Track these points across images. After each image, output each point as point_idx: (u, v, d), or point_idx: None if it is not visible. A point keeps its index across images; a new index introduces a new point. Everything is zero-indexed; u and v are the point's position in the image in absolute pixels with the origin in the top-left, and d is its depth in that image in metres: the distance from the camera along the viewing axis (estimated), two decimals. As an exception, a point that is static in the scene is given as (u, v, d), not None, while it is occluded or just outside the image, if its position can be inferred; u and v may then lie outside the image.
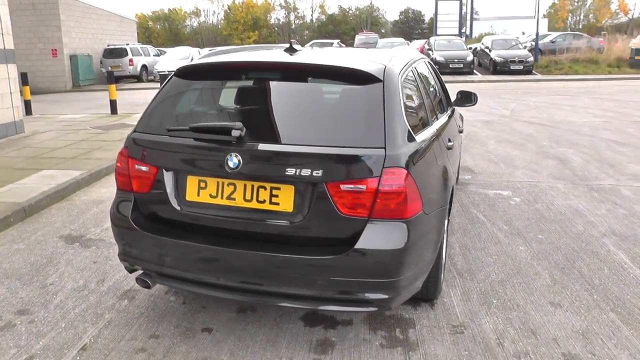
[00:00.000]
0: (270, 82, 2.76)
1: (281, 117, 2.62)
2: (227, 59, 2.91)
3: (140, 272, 2.79)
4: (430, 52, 22.48)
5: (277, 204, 2.43)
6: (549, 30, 50.96)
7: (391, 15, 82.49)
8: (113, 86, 10.47)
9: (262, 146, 2.44)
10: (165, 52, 24.41)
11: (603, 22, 43.90)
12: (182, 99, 2.85)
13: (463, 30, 40.12)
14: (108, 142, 7.69)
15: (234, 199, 2.49)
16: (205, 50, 24.38)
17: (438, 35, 29.83)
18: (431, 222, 2.64)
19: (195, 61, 2.96)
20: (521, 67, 20.91)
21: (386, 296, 2.44)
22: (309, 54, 2.99)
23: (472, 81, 19.04)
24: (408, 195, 2.37)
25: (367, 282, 2.40)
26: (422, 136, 2.78)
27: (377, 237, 2.37)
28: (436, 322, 3.00)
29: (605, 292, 3.35)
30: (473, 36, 42.29)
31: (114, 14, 24.02)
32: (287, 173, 2.38)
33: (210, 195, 2.53)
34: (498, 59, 21.26)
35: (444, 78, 21.00)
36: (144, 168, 2.65)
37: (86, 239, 4.26)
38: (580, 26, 52.25)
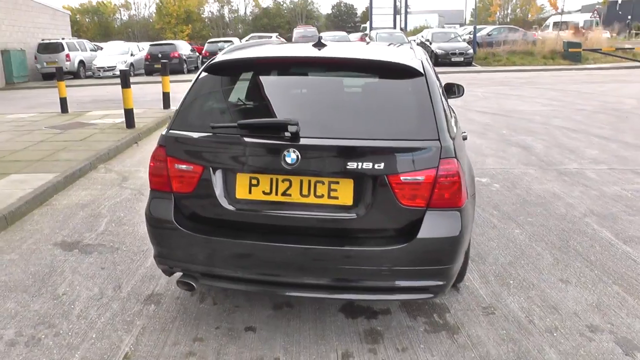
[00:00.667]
0: (312, 77, 2.75)
1: (332, 111, 2.62)
2: (262, 55, 2.87)
3: (181, 274, 2.71)
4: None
5: (337, 197, 2.44)
6: (479, 25, 53.17)
7: (324, 8, 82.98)
8: (63, 83, 9.87)
9: (321, 141, 2.44)
10: (101, 47, 23.20)
11: (534, 16, 46.62)
12: (217, 95, 2.78)
13: (402, 25, 41.17)
14: (71, 143, 7.26)
15: (290, 195, 2.48)
16: (145, 44, 23.49)
17: (376, 28, 30.46)
18: (471, 209, 2.75)
19: (227, 57, 2.88)
20: (462, 59, 21.78)
21: (441, 282, 2.53)
22: (337, 49, 3.00)
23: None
24: (461, 185, 2.47)
25: (426, 270, 2.47)
26: (454, 127, 2.88)
27: (436, 226, 2.45)
28: (467, 305, 3.14)
29: (603, 267, 3.63)
30: (408, 29, 43.48)
31: (46, 6, 22.51)
32: (348, 167, 2.40)
33: (264, 192, 2.50)
34: (440, 52, 22.01)
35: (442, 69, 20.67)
36: (186, 167, 2.56)
37: (84, 244, 4.04)
38: (508, 20, 55.04)
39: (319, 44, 2.97)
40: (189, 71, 21.79)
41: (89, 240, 4.12)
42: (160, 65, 19.47)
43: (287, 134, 2.40)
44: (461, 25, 61.33)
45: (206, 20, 54.01)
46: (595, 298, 3.22)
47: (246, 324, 2.91)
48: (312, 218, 2.47)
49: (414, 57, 2.83)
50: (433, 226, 2.44)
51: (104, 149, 6.73)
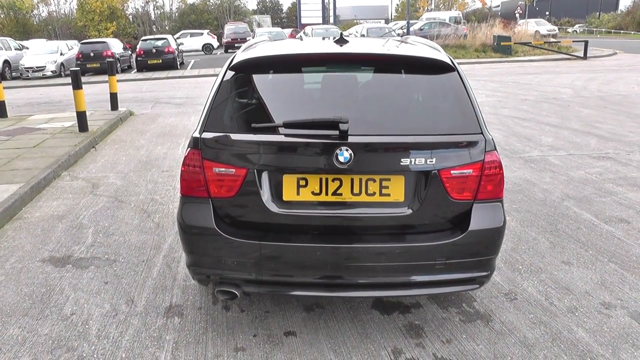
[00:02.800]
0: (347, 74, 2.70)
1: (375, 108, 2.59)
2: (293, 51, 2.78)
3: (218, 283, 2.57)
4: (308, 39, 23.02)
5: (388, 195, 2.42)
6: (403, 20, 54.85)
7: (251, 4, 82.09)
8: (0, 85, 9.03)
9: (373, 139, 2.40)
10: (27, 47, 21.51)
11: (462, 11, 48.80)
12: (249, 94, 2.65)
13: (331, 19, 41.55)
14: (24, 150, 6.68)
15: (341, 194, 2.42)
16: (73, 42, 22.05)
17: (313, 25, 30.57)
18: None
19: (254, 54, 2.75)
20: None
21: (487, 273, 2.59)
22: (359, 45, 2.96)
23: None
24: (503, 177, 2.53)
25: (475, 262, 2.52)
26: None
27: (484, 217, 2.49)
28: (489, 292, 3.23)
29: (595, 247, 3.86)
30: (336, 23, 43.96)
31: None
32: (401, 163, 2.38)
33: (313, 193, 2.42)
34: None
35: None
36: (228, 170, 2.43)
37: (76, 259, 3.75)
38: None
39: (341, 40, 2.93)
40: (123, 70, 20.80)
41: (80, 254, 3.82)
42: (96, 64, 18.61)
43: (337, 132, 2.34)
44: (386, 21, 63.12)
45: (131, 17, 51.67)
46: (598, 277, 3.42)
47: (283, 329, 2.83)
48: (365, 217, 2.44)
49: (440, 53, 2.85)
50: (481, 218, 2.49)
51: (62, 155, 6.27)
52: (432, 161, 2.40)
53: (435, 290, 2.58)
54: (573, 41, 21.57)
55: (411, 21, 29.66)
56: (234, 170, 2.42)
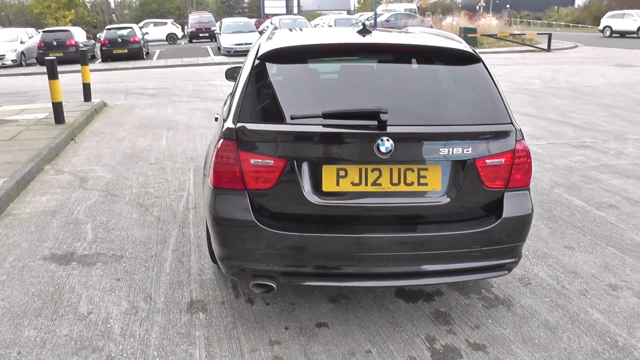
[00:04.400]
0: (379, 64, 2.69)
1: (409, 98, 2.59)
2: (325, 41, 2.75)
3: (254, 276, 2.53)
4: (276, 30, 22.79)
5: (426, 184, 2.44)
6: (363, 11, 55.15)
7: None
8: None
9: (412, 129, 2.41)
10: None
11: (425, 4, 49.40)
12: (282, 84, 2.60)
13: (294, 11, 41.32)
14: (0, 143, 6.36)
15: (380, 185, 2.43)
16: (32, 30, 21.03)
17: (278, 15, 30.27)
18: None
19: (285, 44, 2.70)
20: None
21: (515, 259, 2.65)
22: (385, 36, 2.96)
23: None
24: (531, 165, 2.60)
25: (506, 248, 2.58)
26: None
27: (515, 205, 2.56)
28: (504, 278, 3.31)
29: (592, 232, 4.03)
30: (301, 13, 43.71)
31: None
32: (440, 153, 2.41)
33: (353, 183, 2.42)
34: None
35: None
36: (266, 162, 2.39)
37: (80, 256, 3.61)
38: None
39: (365, 31, 2.92)
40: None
41: (83, 251, 3.69)
42: (59, 53, 17.78)
43: (376, 122, 2.34)
44: (348, 12, 63.14)
45: (89, 5, 49.73)
46: (600, 260, 3.57)
47: (314, 320, 2.83)
48: (403, 206, 2.46)
49: (462, 43, 2.89)
50: (513, 206, 2.55)
51: (43, 147, 6.00)
52: (468, 151, 2.44)
53: (468, 278, 2.63)
54: (537, 33, 22.19)
55: (364, 14, 29.85)
56: (272, 161, 2.39)
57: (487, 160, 2.47)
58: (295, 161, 2.39)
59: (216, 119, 3.55)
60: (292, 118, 2.40)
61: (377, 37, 2.79)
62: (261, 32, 24.61)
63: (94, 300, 3.05)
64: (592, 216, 4.34)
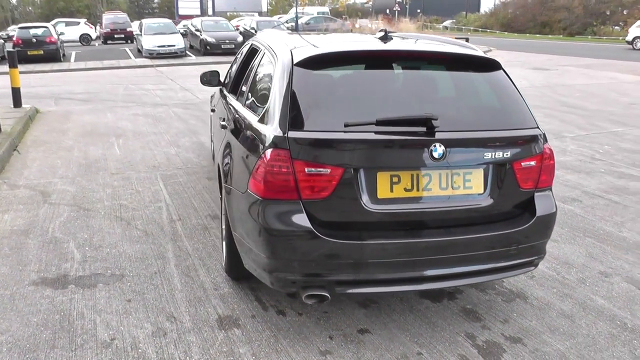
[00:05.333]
0: (413, 71, 2.75)
1: (449, 104, 2.68)
2: (362, 48, 2.74)
3: (305, 287, 2.48)
4: (198, 33, 22.25)
5: (471, 187, 2.53)
6: (274, 14, 55.36)
7: (123, -7, 76.90)
8: None
9: (460, 134, 2.49)
10: None
11: (343, 7, 50.56)
12: (325, 90, 2.57)
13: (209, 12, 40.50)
14: None
15: (430, 190, 2.48)
16: None
17: (202, 17, 29.47)
18: None
19: (324, 50, 2.65)
20: None
21: (542, 255, 2.83)
22: (412, 43, 3.03)
23: None
24: (554, 167, 2.78)
25: (537, 245, 2.74)
26: None
27: (544, 204, 2.73)
28: (510, 272, 3.51)
29: (567, 224, 4.36)
30: (216, 15, 42.94)
31: None
32: (484, 157, 2.51)
33: (405, 189, 2.45)
34: None
35: (216, 59, 21.25)
36: (323, 170, 2.35)
37: (75, 277, 3.31)
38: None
39: (386, 37, 2.96)
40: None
41: (76, 272, 3.39)
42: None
43: (425, 129, 2.40)
44: (260, 14, 63.15)
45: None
46: (584, 250, 3.89)
47: (354, 327, 2.82)
48: (452, 210, 2.53)
49: (478, 50, 3.02)
50: (542, 205, 2.72)
51: (-14, 160, 5.42)
52: (507, 154, 2.56)
53: (505, 275, 2.76)
54: (455, 37, 23.52)
55: (283, 16, 30.11)
56: (329, 170, 2.36)
57: (522, 163, 2.61)
58: (352, 169, 2.38)
59: (223, 127, 3.42)
60: (345, 125, 2.38)
61: (406, 44, 2.86)
62: (184, 34, 23.96)
63: (111, 324, 2.82)
64: (562, 210, 4.69)
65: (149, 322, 2.86)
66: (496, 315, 2.99)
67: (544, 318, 2.98)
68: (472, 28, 46.03)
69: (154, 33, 20.60)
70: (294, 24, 29.42)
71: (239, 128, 3.02)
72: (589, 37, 41.71)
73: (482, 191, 2.57)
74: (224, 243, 3.51)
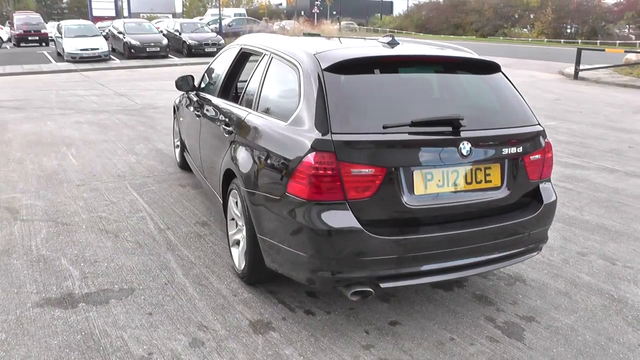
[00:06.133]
0: (435, 74, 2.93)
1: (467, 104, 2.89)
2: (382, 53, 2.85)
3: (350, 285, 2.57)
4: (121, 35, 21.31)
5: (490, 181, 2.75)
6: (189, 16, 54.32)
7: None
8: None
9: (483, 132, 2.69)
10: None
11: (264, 10, 50.36)
12: (358, 94, 2.66)
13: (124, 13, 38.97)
14: None
15: (457, 185, 2.66)
16: None
17: (124, 19, 28.16)
18: None
19: (347, 55, 2.72)
20: (215, 49, 22.33)
21: (546, 240, 3.11)
22: (419, 48, 3.22)
23: (176, 64, 19.21)
24: (552, 159, 3.07)
25: (542, 231, 3.01)
26: None
27: (548, 193, 3.01)
28: (503, 258, 3.79)
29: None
30: (131, 16, 41.35)
31: None
32: (502, 153, 2.74)
33: (437, 185, 2.61)
34: (192, 42, 22.08)
35: (143, 62, 20.53)
36: (367, 171, 2.45)
37: (82, 295, 3.15)
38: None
39: (393, 42, 3.11)
40: None
41: (81, 290, 3.22)
42: None
43: (452, 128, 2.59)
44: (174, 15, 61.58)
45: None
46: (558, 234, 4.28)
47: (384, 320, 2.95)
48: (477, 202, 2.73)
49: (474, 53, 3.26)
50: (546, 194, 3.01)
51: None
52: (520, 149, 2.81)
53: (518, 260, 3.00)
54: (384, 35, 24.44)
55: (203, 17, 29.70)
56: (373, 170, 2.47)
57: (531, 157, 2.87)
58: (393, 168, 2.51)
59: (230, 132, 3.39)
60: (384, 127, 2.51)
61: (420, 49, 3.06)
62: (106, 37, 22.74)
63: (141, 339, 2.74)
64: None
65: (181, 333, 2.81)
66: (505, 298, 3.24)
67: (545, 297, 3.28)
68: (387, 30, 47.85)
69: (75, 36, 19.46)
70: (216, 25, 28.94)
71: (259, 134, 3.03)
72: (501, 37, 44.80)
73: (499, 184, 2.80)
74: (232, 249, 3.50)
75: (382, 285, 2.59)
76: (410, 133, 2.55)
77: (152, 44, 20.58)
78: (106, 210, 4.60)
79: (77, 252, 3.76)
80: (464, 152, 2.61)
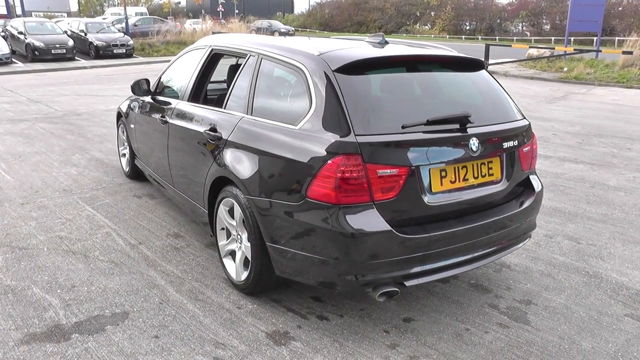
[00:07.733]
0: (435, 73, 2.99)
1: (467, 101, 2.98)
2: (387, 53, 2.85)
3: (376, 286, 2.57)
4: (22, 36, 19.62)
5: (492, 174, 2.88)
6: (85, 15, 51.33)
7: None
8: None
9: (487, 128, 2.80)
10: None
11: (167, 9, 48.43)
12: (370, 94, 2.65)
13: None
14: None
15: (467, 180, 2.75)
16: None
17: (23, 18, 25.80)
18: None
19: (356, 56, 2.68)
20: (124, 51, 21.37)
21: (535, 227, 3.30)
22: (411, 47, 3.27)
23: (85, 67, 18.16)
24: (536, 150, 3.28)
25: (534, 218, 3.20)
26: None
27: (536, 182, 3.21)
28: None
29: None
30: (25, 15, 38.32)
31: None
32: (503, 147, 2.87)
33: (451, 182, 2.69)
34: (100, 44, 20.91)
35: (50, 65, 19.44)
36: (391, 171, 2.46)
37: (72, 325, 2.86)
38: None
39: (384, 42, 3.15)
40: None
41: (68, 320, 2.92)
42: None
43: (459, 125, 2.68)
44: (69, 14, 57.82)
45: None
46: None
47: (397, 318, 2.98)
48: (484, 195, 2.84)
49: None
50: (535, 183, 3.20)
51: None
52: (515, 143, 2.97)
53: (515, 248, 3.15)
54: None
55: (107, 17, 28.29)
56: (397, 170, 2.48)
57: (523, 149, 3.04)
58: (414, 167, 2.54)
59: (219, 138, 3.23)
60: (403, 127, 2.53)
61: (420, 49, 3.14)
62: (5, 37, 20.71)
63: (157, 365, 2.56)
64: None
65: (199, 353, 2.65)
66: (498, 284, 3.41)
67: (533, 280, 3.49)
68: (292, 28, 48.21)
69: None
70: (122, 25, 27.48)
71: (261, 138, 2.91)
72: (404, 35, 46.75)
73: (499, 177, 2.94)
74: (225, 260, 3.37)
75: (407, 283, 2.62)
76: (425, 132, 2.60)
77: (58, 46, 19.14)
78: (64, 230, 4.21)
79: (48, 277, 3.42)
80: (474, 148, 2.71)
